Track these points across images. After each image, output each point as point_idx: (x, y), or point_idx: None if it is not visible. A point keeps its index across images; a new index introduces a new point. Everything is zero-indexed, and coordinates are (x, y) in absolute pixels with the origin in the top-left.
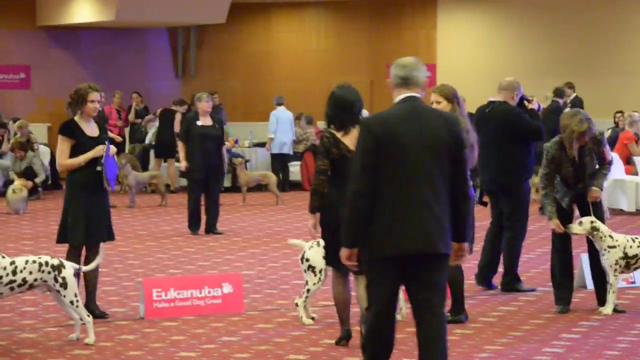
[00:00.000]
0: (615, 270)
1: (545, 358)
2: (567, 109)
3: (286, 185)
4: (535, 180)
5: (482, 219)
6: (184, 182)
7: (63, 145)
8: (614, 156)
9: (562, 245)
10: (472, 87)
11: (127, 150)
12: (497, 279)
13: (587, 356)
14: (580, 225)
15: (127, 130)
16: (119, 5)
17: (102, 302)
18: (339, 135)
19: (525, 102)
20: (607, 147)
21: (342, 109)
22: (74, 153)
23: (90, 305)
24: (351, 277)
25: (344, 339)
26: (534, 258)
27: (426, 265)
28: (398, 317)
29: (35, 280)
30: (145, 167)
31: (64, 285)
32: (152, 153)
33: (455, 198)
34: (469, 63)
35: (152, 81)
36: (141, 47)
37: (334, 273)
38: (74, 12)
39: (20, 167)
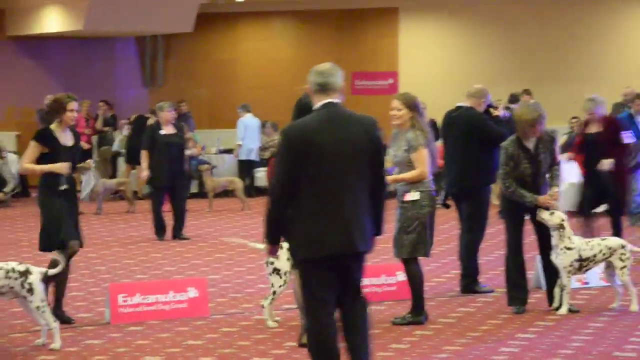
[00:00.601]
0: (569, 271)
1: (502, 357)
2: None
3: (252, 190)
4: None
5: (444, 222)
6: None
7: (32, 151)
8: (570, 160)
9: (516, 246)
10: (432, 93)
11: (95, 157)
12: (455, 281)
13: (542, 355)
14: (551, 216)
15: (94, 138)
16: (87, 15)
17: (68, 307)
18: None
19: (491, 109)
20: (557, 148)
21: None
22: (46, 160)
23: (57, 311)
24: None
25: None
26: (493, 260)
27: (349, 264)
28: None
29: (2, 287)
30: (113, 174)
31: (31, 291)
32: (120, 160)
33: (374, 200)
34: (429, 70)
35: (120, 90)
36: (109, 56)
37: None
38: (42, 22)
39: None
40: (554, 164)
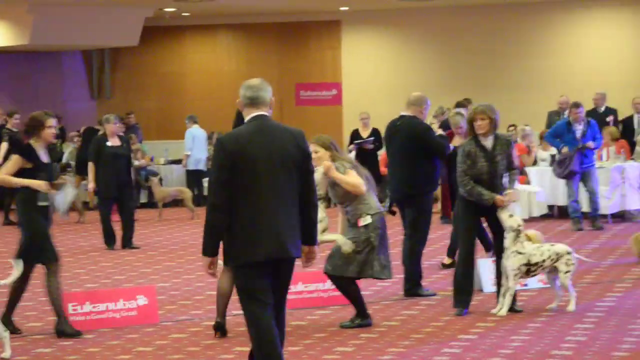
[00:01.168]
0: (516, 275)
1: (444, 358)
2: None
3: (201, 200)
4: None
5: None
6: None
7: (14, 164)
8: None
9: (467, 256)
10: (375, 103)
11: None
12: (398, 285)
13: (482, 355)
14: (510, 218)
15: None
16: (33, 29)
17: (18, 317)
18: None
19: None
20: (515, 154)
21: None
22: (25, 175)
23: (5, 320)
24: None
25: (217, 330)
26: (435, 264)
27: (282, 268)
28: None
29: None
30: None
31: None
32: (69, 171)
33: (305, 206)
34: (372, 81)
35: (68, 103)
36: (57, 69)
37: (225, 267)
38: None
39: None
40: (512, 167)
